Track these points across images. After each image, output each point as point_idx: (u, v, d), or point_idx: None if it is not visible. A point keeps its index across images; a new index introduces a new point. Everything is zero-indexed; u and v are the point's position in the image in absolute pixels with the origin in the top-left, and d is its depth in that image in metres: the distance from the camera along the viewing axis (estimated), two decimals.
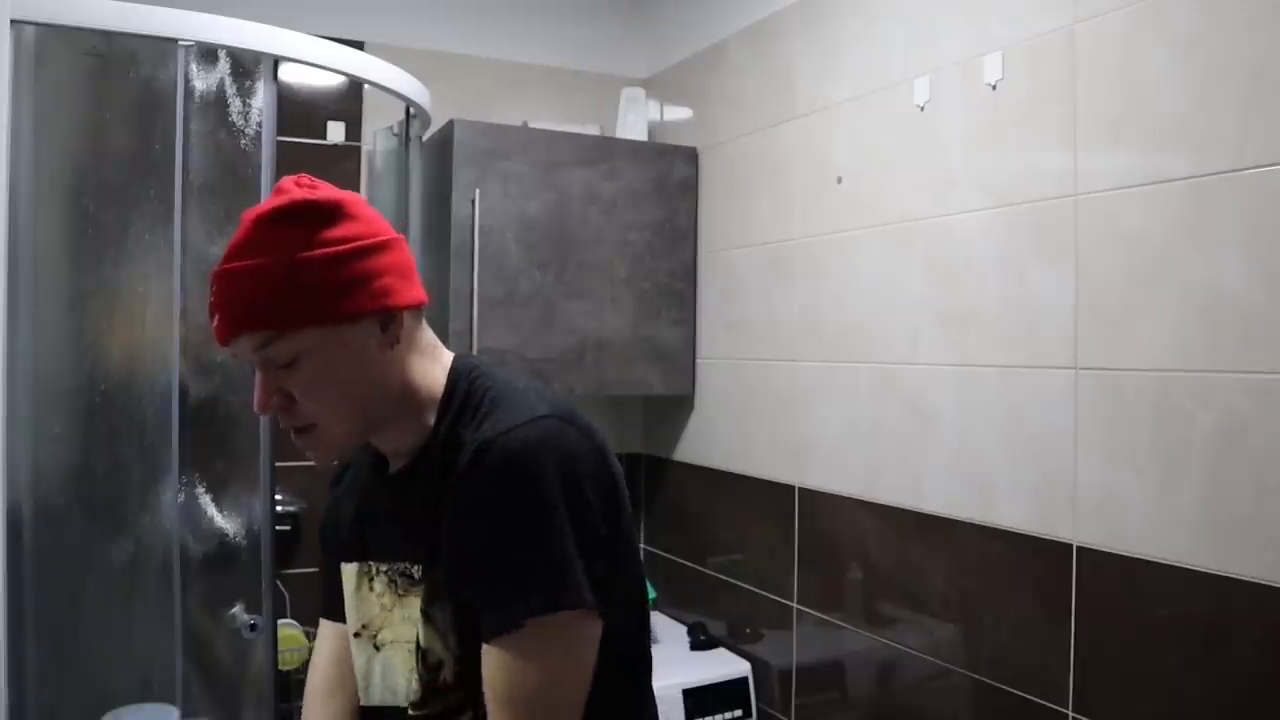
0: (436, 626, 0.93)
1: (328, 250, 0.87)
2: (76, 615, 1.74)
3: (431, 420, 0.96)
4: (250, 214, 0.88)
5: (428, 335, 1.00)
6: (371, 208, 0.95)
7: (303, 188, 0.91)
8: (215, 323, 0.89)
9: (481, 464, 0.86)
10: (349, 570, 1.04)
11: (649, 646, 1.05)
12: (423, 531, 0.94)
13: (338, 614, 1.08)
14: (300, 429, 0.92)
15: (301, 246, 0.87)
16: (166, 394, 1.72)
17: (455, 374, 0.98)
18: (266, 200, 0.90)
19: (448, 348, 1.03)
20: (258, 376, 0.90)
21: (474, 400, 0.94)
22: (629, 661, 0.99)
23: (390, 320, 0.92)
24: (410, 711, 0.95)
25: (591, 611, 0.86)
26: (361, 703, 1.02)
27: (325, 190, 0.91)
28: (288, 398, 0.90)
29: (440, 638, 0.93)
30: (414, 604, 0.95)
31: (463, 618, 0.91)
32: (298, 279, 0.86)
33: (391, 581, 0.98)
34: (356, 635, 1.02)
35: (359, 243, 0.89)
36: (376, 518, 1.03)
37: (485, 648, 0.87)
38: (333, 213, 0.89)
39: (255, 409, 0.91)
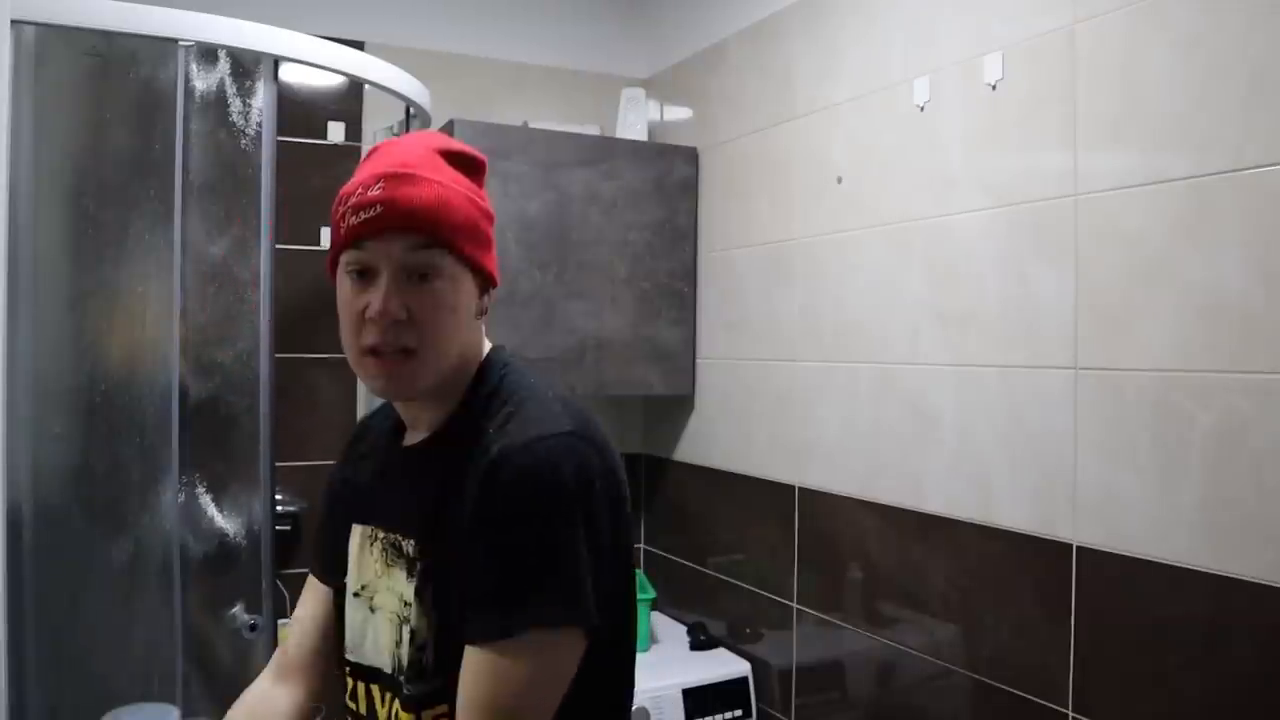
0: (425, 609, 0.94)
1: (488, 205, 0.99)
2: (76, 615, 1.74)
3: (457, 400, 0.99)
4: (428, 142, 0.97)
5: None
6: None
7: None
8: (376, 212, 0.90)
9: (506, 470, 0.87)
10: (357, 530, 1.05)
11: (629, 658, 1.03)
12: (421, 508, 0.96)
13: (328, 575, 1.10)
14: (401, 350, 0.92)
15: (474, 192, 0.97)
16: (166, 394, 1.72)
17: (489, 363, 1.01)
18: (435, 136, 1.00)
19: None
20: (384, 283, 0.91)
21: (502, 396, 0.96)
22: (606, 673, 0.98)
23: (487, 289, 1.00)
24: (405, 688, 0.96)
25: (586, 632, 0.88)
26: (351, 658, 1.02)
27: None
28: (407, 312, 0.92)
29: (427, 621, 0.94)
30: (398, 576, 0.97)
31: (447, 606, 0.92)
32: (469, 214, 0.95)
33: (384, 550, 1.00)
34: (356, 595, 1.02)
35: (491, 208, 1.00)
36: (387, 485, 1.05)
37: (470, 648, 0.86)
38: (483, 174, 1.01)
39: (376, 314, 0.90)
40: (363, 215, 0.90)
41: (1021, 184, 1.65)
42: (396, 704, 0.96)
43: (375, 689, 0.99)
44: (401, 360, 0.93)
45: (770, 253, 2.30)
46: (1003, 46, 1.69)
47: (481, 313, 0.99)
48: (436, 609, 0.93)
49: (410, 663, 0.94)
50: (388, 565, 0.99)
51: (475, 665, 0.86)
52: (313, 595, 1.14)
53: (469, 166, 0.98)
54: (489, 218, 0.99)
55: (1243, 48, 1.31)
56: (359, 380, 1.04)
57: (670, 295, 2.57)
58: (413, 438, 1.03)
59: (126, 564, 1.74)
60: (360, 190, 0.91)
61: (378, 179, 0.91)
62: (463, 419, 0.97)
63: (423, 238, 0.91)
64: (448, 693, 0.91)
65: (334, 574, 1.08)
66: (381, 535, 1.01)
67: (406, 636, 0.95)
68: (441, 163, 0.95)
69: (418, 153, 0.94)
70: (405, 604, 0.95)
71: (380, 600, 0.99)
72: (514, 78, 2.77)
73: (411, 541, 0.97)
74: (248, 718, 1.09)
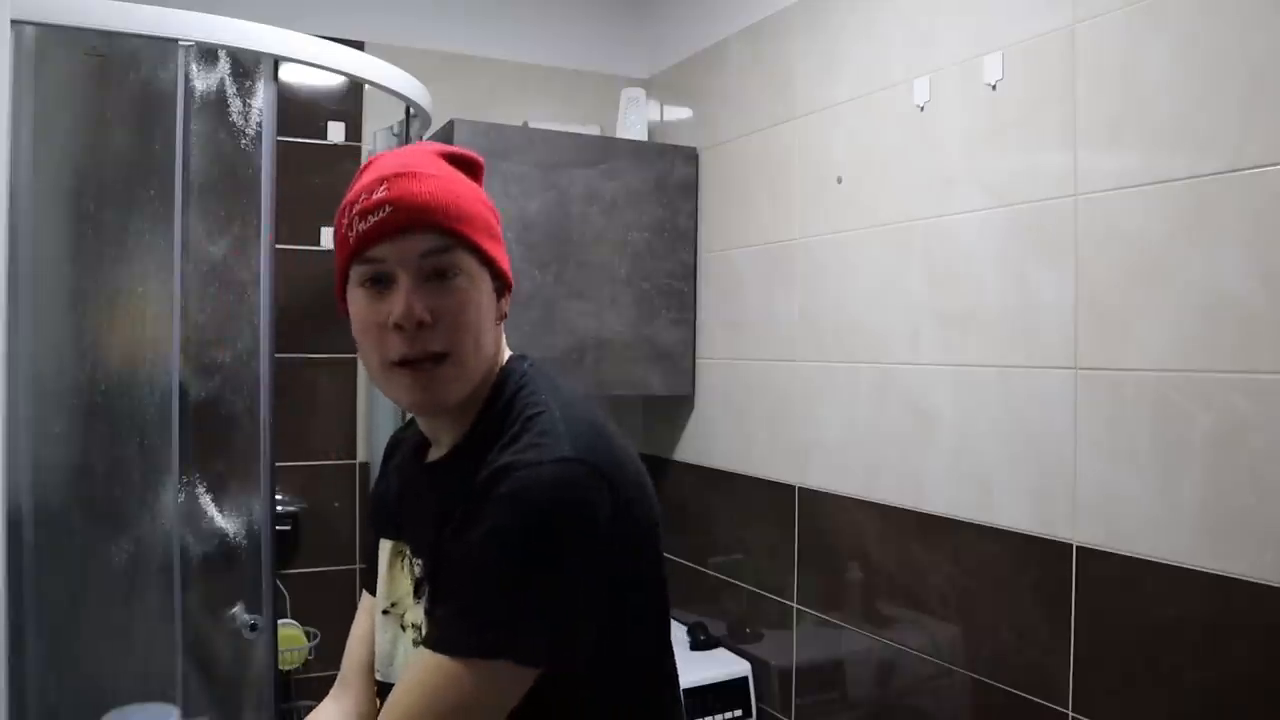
0: None
1: (494, 205, 0.97)
2: (76, 615, 1.74)
3: (475, 415, 0.94)
4: (424, 148, 0.95)
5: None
6: None
7: None
8: (386, 213, 0.86)
9: (495, 489, 0.83)
10: (385, 546, 1.02)
11: (668, 695, 1.00)
12: (432, 529, 0.93)
13: (373, 590, 1.06)
14: (430, 356, 0.88)
15: (480, 190, 0.96)
16: (166, 394, 1.72)
17: (505, 375, 0.96)
18: (430, 144, 0.98)
19: None
20: (404, 286, 0.87)
21: (513, 413, 0.91)
22: (632, 710, 0.95)
23: (504, 290, 0.96)
24: None
25: (532, 669, 0.82)
26: (379, 678, 0.99)
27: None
28: (432, 315, 0.87)
29: None
30: (423, 593, 0.94)
31: None
32: (479, 209, 0.92)
33: (409, 568, 0.97)
34: (385, 612, 1.00)
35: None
36: (409, 502, 1.02)
37: (422, 647, 0.83)
38: (481, 176, 0.99)
39: (400, 318, 0.86)
40: (371, 219, 0.86)
41: (1021, 184, 1.65)
42: None
43: None
44: (433, 367, 0.88)
45: (770, 253, 2.30)
46: (1003, 46, 1.69)
47: (501, 317, 0.95)
48: None
49: None
50: (415, 582, 0.96)
51: (421, 665, 0.82)
52: (364, 609, 1.11)
53: (468, 168, 0.96)
54: (497, 216, 0.96)
55: (1242, 48, 1.31)
56: (386, 396, 0.96)
57: (670, 295, 2.57)
58: (434, 454, 0.99)
59: (127, 564, 1.74)
60: (364, 195, 0.87)
61: (381, 181, 0.87)
62: (478, 436, 0.92)
63: (437, 234, 0.87)
64: None
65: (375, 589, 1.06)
66: (409, 552, 0.98)
67: None
68: (443, 163, 0.93)
69: (417, 156, 0.92)
70: (417, 626, 0.93)
71: (410, 618, 0.96)
72: (514, 78, 2.77)
73: (419, 561, 0.94)
74: None
